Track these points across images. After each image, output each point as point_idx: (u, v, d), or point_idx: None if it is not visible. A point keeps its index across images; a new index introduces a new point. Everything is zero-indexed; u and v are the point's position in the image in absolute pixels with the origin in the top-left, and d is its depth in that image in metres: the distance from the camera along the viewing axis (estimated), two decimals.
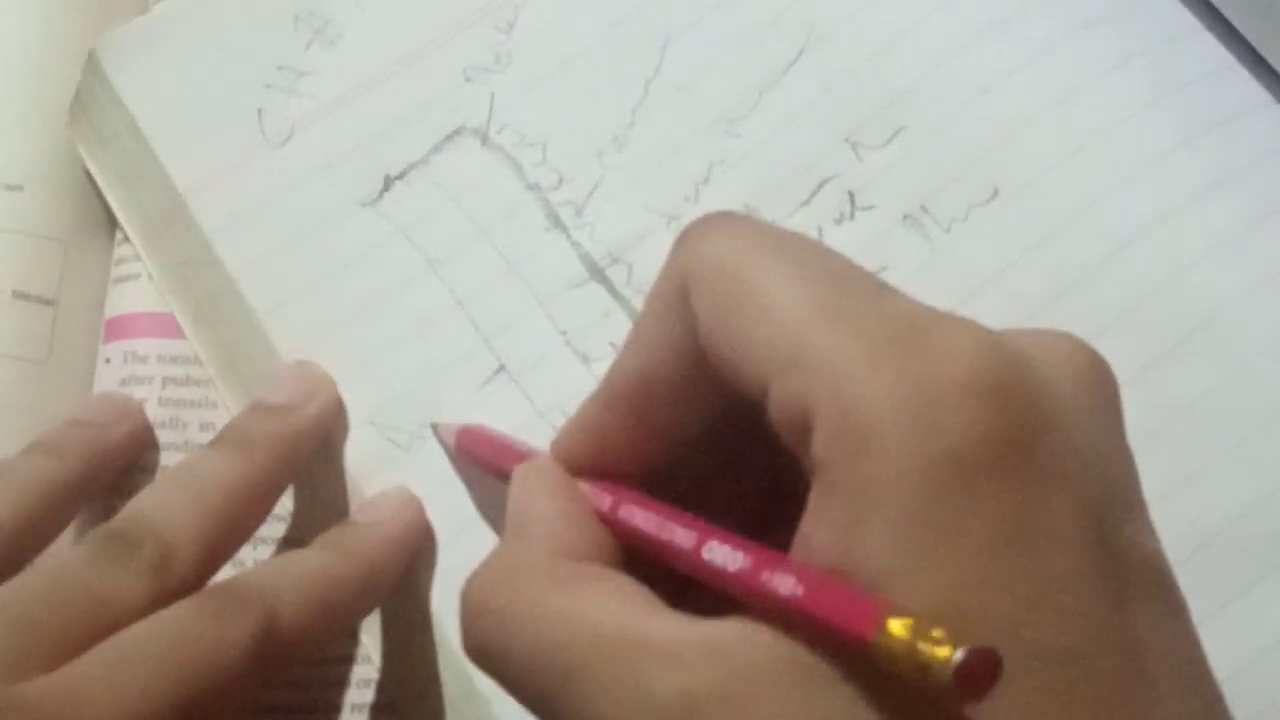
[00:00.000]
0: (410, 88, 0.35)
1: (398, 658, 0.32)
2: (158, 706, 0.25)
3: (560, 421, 0.31)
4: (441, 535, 0.32)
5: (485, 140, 0.35)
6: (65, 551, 0.28)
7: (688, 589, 0.22)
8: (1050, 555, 0.19)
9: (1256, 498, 0.29)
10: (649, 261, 0.33)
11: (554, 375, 0.32)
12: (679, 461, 0.25)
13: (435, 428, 0.32)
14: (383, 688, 0.32)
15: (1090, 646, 0.18)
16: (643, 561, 0.23)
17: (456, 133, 0.35)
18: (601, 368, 0.32)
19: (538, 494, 0.25)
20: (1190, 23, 0.33)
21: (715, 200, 0.33)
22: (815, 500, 0.20)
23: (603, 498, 0.24)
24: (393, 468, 0.32)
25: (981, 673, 0.17)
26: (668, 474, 0.25)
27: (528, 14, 0.36)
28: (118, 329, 0.36)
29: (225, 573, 0.30)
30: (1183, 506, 0.28)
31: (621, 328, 0.32)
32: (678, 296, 0.22)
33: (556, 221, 0.34)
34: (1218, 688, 0.20)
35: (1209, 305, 0.30)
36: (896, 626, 0.17)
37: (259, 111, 0.35)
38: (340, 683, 0.32)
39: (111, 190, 0.37)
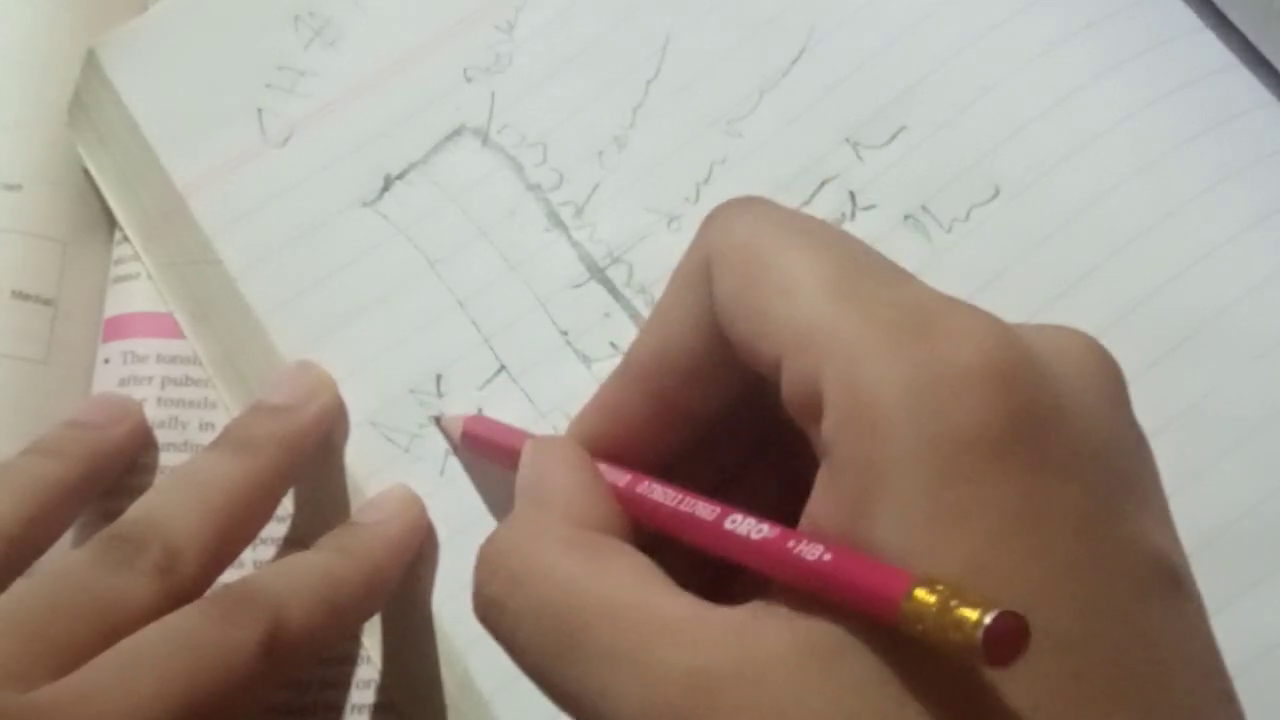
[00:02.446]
0: (410, 88, 0.35)
1: (398, 658, 0.32)
2: (166, 712, 0.25)
3: (561, 422, 0.32)
4: (442, 535, 0.32)
5: (486, 140, 0.35)
6: (69, 555, 0.28)
7: (701, 580, 0.22)
8: (1058, 543, 0.19)
9: (1257, 498, 0.29)
10: (649, 261, 0.33)
11: (554, 375, 0.32)
12: (695, 454, 0.25)
13: (439, 420, 0.32)
14: (383, 688, 0.32)
15: (1099, 634, 0.18)
16: (657, 546, 0.23)
17: (457, 133, 0.35)
18: (602, 368, 0.32)
19: (554, 464, 0.25)
20: (1191, 22, 0.33)
21: (716, 200, 0.33)
22: (822, 481, 0.20)
23: (619, 475, 0.24)
24: (393, 468, 0.32)
25: (1009, 639, 0.16)
26: (683, 468, 0.25)
27: (528, 14, 0.36)
28: (117, 329, 0.36)
29: (227, 574, 0.30)
30: (1184, 507, 0.28)
31: (622, 328, 0.32)
32: (699, 275, 0.22)
33: (557, 221, 0.34)
34: (1230, 683, 0.20)
35: (1210, 305, 0.30)
36: (924, 592, 0.17)
37: (259, 111, 0.35)
38: (340, 683, 0.32)
39: (111, 190, 0.37)
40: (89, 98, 0.36)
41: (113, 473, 0.33)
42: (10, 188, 0.36)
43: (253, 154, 0.35)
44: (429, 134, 0.35)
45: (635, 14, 0.35)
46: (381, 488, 0.32)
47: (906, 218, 0.32)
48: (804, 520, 0.20)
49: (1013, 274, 0.31)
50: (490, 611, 0.23)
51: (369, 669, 0.32)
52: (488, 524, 0.31)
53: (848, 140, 0.33)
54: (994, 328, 0.20)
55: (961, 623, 0.17)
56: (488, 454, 0.30)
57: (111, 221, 0.37)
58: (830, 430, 0.19)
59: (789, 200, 0.33)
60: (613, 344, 0.32)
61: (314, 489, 0.33)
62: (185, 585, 0.28)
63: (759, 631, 0.19)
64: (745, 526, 0.21)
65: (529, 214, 0.34)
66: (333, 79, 0.35)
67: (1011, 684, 0.18)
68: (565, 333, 0.33)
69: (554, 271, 0.33)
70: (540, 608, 0.21)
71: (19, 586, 0.28)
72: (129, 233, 0.36)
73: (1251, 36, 0.32)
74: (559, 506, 0.23)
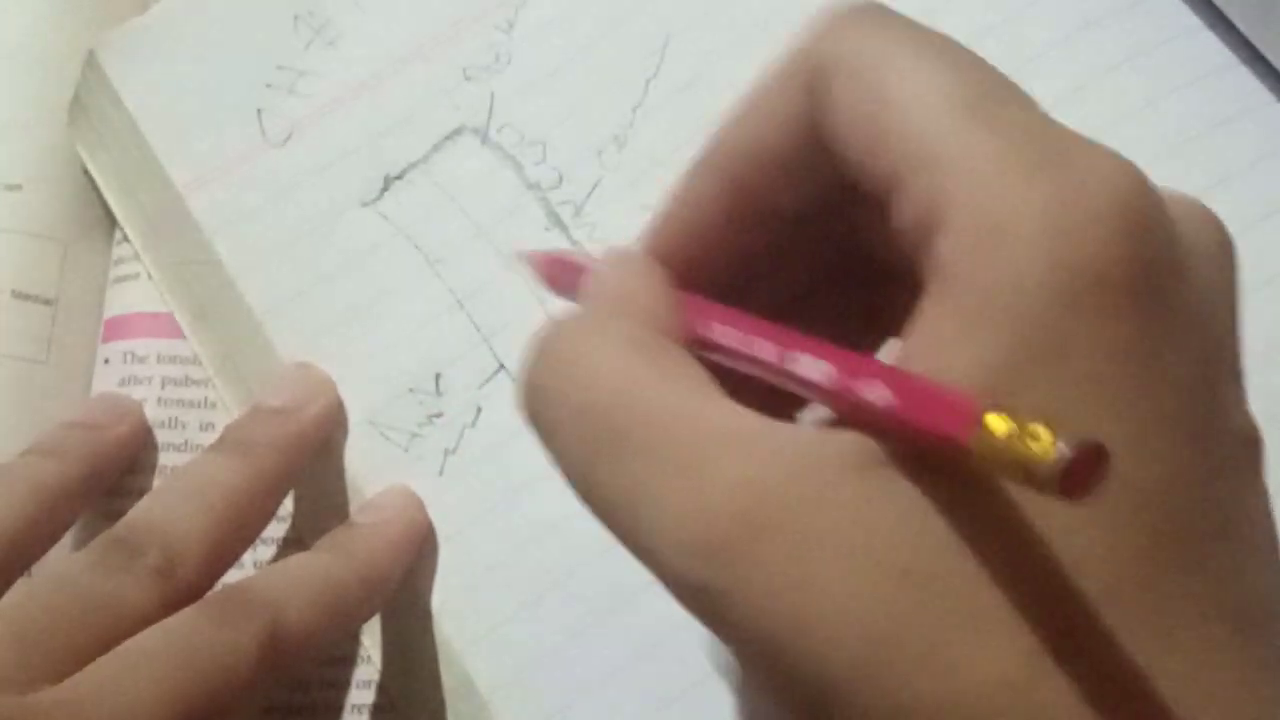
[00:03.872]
0: (410, 87, 0.35)
1: (398, 658, 0.32)
2: (165, 715, 0.25)
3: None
4: (441, 535, 0.32)
5: (485, 139, 0.35)
6: (69, 559, 0.28)
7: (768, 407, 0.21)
8: (1159, 394, 0.18)
9: None
10: None
11: None
12: (775, 267, 0.24)
13: (521, 255, 0.31)
14: (382, 688, 0.32)
15: (1183, 495, 0.18)
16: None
17: (456, 132, 0.35)
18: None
19: (623, 270, 0.23)
20: (1191, 22, 0.33)
21: None
22: (928, 303, 0.19)
23: (688, 310, 0.23)
24: (392, 468, 0.32)
25: (1086, 468, 0.16)
26: (762, 280, 0.24)
27: (528, 13, 0.36)
28: (117, 329, 0.36)
29: (227, 575, 0.30)
30: None
31: None
32: (804, 77, 0.21)
33: (556, 221, 0.34)
34: None
35: None
36: (996, 421, 0.16)
37: (259, 111, 0.35)
38: (341, 683, 0.32)
39: (111, 190, 0.36)
40: (89, 98, 0.36)
41: (113, 473, 0.33)
42: (10, 188, 0.36)
43: (252, 154, 0.35)
44: (428, 133, 0.35)
45: (635, 13, 0.35)
46: (381, 488, 0.32)
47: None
48: (902, 340, 0.19)
49: None
50: (533, 401, 0.21)
51: (369, 669, 0.32)
52: (488, 524, 0.31)
53: None
54: (1131, 171, 0.19)
55: (1037, 447, 0.16)
56: (572, 287, 0.29)
57: (111, 221, 0.37)
58: (949, 249, 0.19)
59: None
60: None
61: (313, 489, 0.33)
62: (185, 588, 0.28)
63: (821, 445, 0.18)
64: (806, 366, 0.19)
65: (529, 213, 0.34)
66: (332, 78, 0.35)
67: (1084, 528, 0.17)
68: None
69: None
70: (588, 400, 0.20)
71: (19, 589, 0.28)
72: (129, 233, 0.36)
73: (1251, 36, 0.32)
74: (623, 307, 0.22)
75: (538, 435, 0.21)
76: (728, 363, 0.21)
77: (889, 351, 0.20)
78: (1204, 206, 0.21)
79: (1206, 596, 0.18)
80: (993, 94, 0.20)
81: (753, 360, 0.21)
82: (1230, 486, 0.19)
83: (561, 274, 0.28)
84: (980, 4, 0.33)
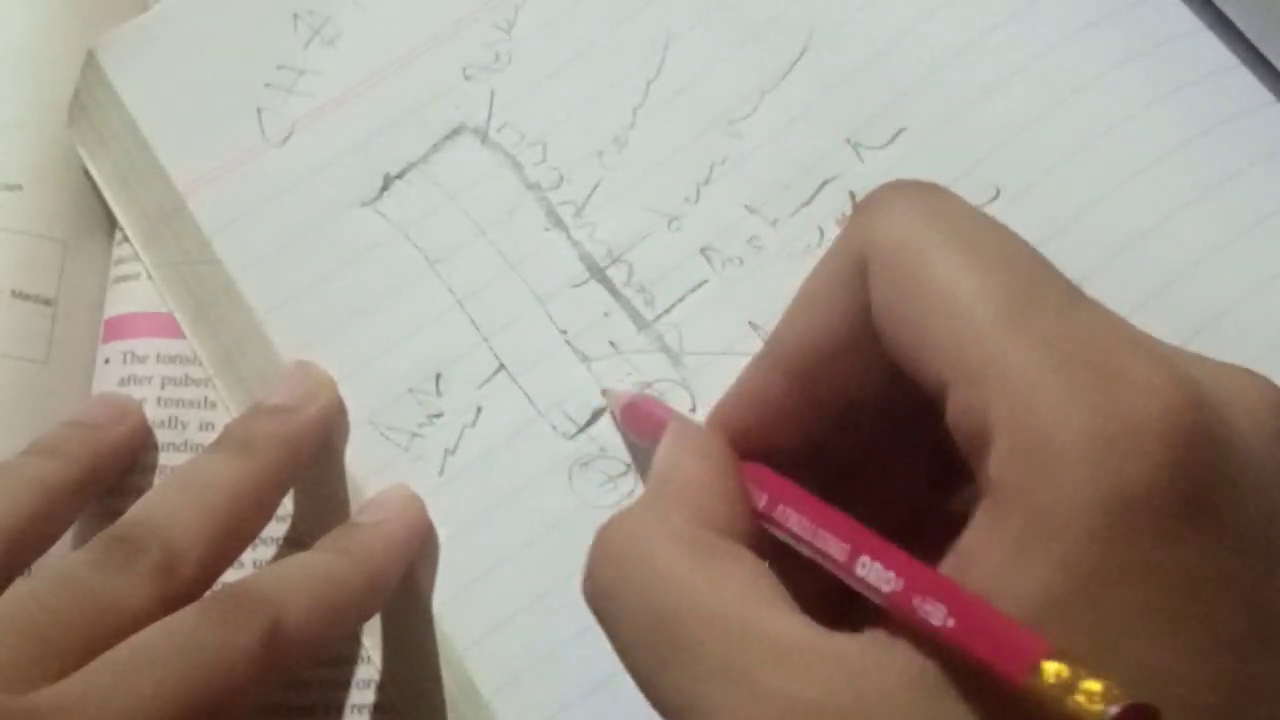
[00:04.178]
0: (410, 86, 0.35)
1: (398, 658, 0.32)
2: (165, 714, 0.25)
3: (560, 422, 0.32)
4: (442, 535, 0.32)
5: (485, 139, 0.35)
6: (69, 557, 0.28)
7: (825, 584, 0.21)
8: (1219, 615, 0.18)
9: None
10: (649, 261, 0.33)
11: (554, 375, 0.32)
12: (842, 431, 0.24)
13: (605, 394, 0.32)
14: (383, 688, 0.32)
15: (1247, 701, 0.18)
16: (785, 556, 0.22)
17: (456, 131, 0.35)
18: (601, 367, 0.32)
19: (687, 454, 0.24)
20: (1192, 22, 0.33)
21: (716, 200, 0.33)
22: (983, 518, 0.19)
23: (758, 495, 0.23)
24: (393, 467, 0.32)
25: None
26: (831, 444, 0.24)
27: (527, 12, 0.36)
28: (117, 329, 0.36)
29: (227, 574, 0.30)
30: None
31: (621, 327, 0.32)
32: (854, 268, 0.21)
33: (556, 221, 0.34)
34: None
35: (1211, 306, 0.30)
36: (1050, 672, 0.16)
37: (258, 111, 0.35)
38: (341, 683, 0.32)
39: (111, 190, 0.36)
40: (89, 98, 0.36)
41: (113, 472, 0.33)
42: (10, 188, 0.36)
43: (252, 153, 0.35)
44: (428, 133, 0.35)
45: (636, 14, 0.35)
46: (381, 487, 0.32)
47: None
48: (956, 554, 0.19)
49: None
50: (598, 599, 0.22)
51: (369, 669, 0.32)
52: (488, 524, 0.31)
53: (848, 140, 0.33)
54: (1179, 383, 0.19)
55: (1087, 704, 0.16)
56: (644, 435, 0.30)
57: (111, 221, 0.37)
58: (998, 468, 0.19)
59: (790, 200, 0.33)
60: (612, 343, 0.32)
61: (314, 489, 0.33)
62: (185, 586, 0.28)
63: (873, 666, 0.18)
64: (874, 574, 0.20)
65: (529, 213, 0.34)
66: (332, 78, 0.35)
67: None
68: (565, 332, 0.33)
69: (554, 271, 0.33)
70: (648, 605, 0.20)
71: (19, 588, 0.28)
72: (129, 233, 0.36)
73: (1251, 37, 0.32)
74: (684, 500, 0.23)
75: (602, 626, 0.22)
76: (793, 545, 0.22)
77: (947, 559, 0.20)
78: (1262, 382, 0.20)
79: None
80: (1037, 298, 0.20)
81: (820, 554, 0.21)
82: None
83: (637, 420, 0.29)
84: (980, 4, 0.33)
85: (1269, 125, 0.32)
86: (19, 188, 0.36)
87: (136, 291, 0.36)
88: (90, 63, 0.36)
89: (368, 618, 0.32)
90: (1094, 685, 0.16)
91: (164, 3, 0.37)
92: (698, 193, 0.33)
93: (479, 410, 0.32)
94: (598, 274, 0.33)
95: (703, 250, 0.33)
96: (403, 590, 0.31)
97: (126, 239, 0.36)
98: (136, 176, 0.36)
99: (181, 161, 0.35)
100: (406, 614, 0.32)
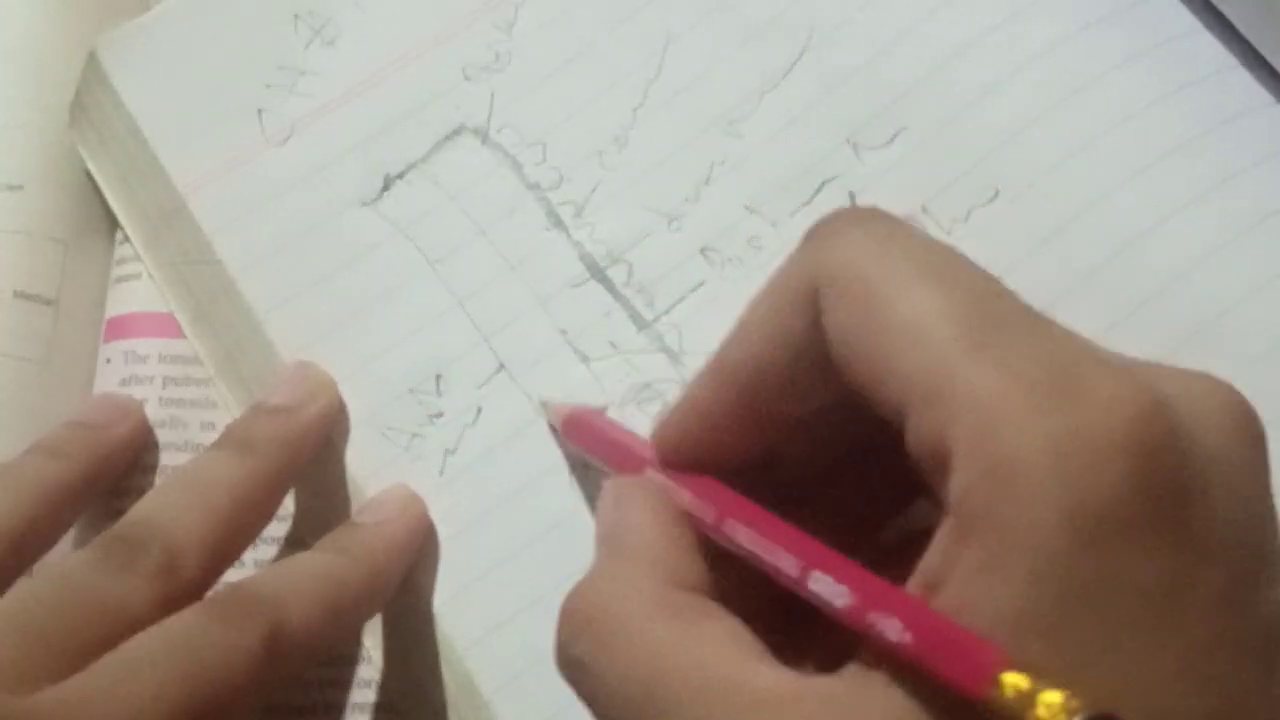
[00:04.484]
0: (410, 87, 0.35)
1: (398, 658, 0.32)
2: (167, 714, 0.25)
3: (560, 422, 0.32)
4: (442, 535, 0.32)
5: (485, 139, 0.35)
6: (71, 557, 0.28)
7: (792, 607, 0.21)
8: (1192, 623, 0.18)
9: None
10: (649, 261, 0.33)
11: (554, 374, 0.32)
12: (793, 447, 0.24)
13: (545, 406, 0.32)
14: (383, 688, 0.32)
15: (1229, 709, 0.18)
16: (747, 580, 0.22)
17: (456, 132, 0.35)
18: (601, 367, 0.32)
19: (638, 512, 0.24)
20: (1191, 23, 0.33)
21: (716, 200, 0.33)
22: (946, 540, 0.19)
23: (707, 509, 0.23)
24: (393, 467, 0.32)
25: None
26: (781, 460, 0.24)
27: (527, 13, 0.36)
28: (118, 329, 0.36)
29: (228, 575, 0.30)
30: None
31: (621, 327, 0.32)
32: (803, 294, 0.21)
33: (556, 221, 0.34)
34: None
35: (1211, 307, 0.30)
36: (1009, 684, 0.16)
37: (259, 111, 0.35)
38: (341, 683, 0.32)
39: (112, 190, 0.36)
40: (90, 98, 0.36)
41: (114, 473, 0.33)
42: (12, 188, 0.36)
43: (253, 153, 0.35)
44: (428, 133, 0.35)
45: (636, 14, 0.35)
46: (381, 487, 0.32)
47: (907, 219, 0.32)
48: (919, 574, 0.19)
49: (1013, 276, 0.30)
50: (575, 671, 0.22)
51: (369, 669, 0.32)
52: (489, 524, 0.31)
53: (848, 140, 0.33)
54: (1139, 394, 0.19)
55: (1047, 715, 0.16)
56: (587, 447, 0.30)
57: (112, 222, 0.37)
58: (960, 490, 0.19)
59: (789, 200, 0.33)
60: (612, 344, 0.32)
61: (314, 489, 0.33)
62: (187, 587, 0.28)
63: (858, 706, 0.18)
64: (826, 589, 0.20)
65: (529, 213, 0.34)
66: (332, 78, 0.35)
67: None
68: (565, 332, 0.33)
69: (553, 271, 0.33)
70: (627, 674, 0.20)
71: (20, 588, 0.28)
72: (130, 233, 0.36)
73: (1251, 37, 0.32)
74: (645, 562, 0.22)
75: (580, 696, 0.22)
76: (751, 562, 0.22)
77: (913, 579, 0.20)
78: (1226, 390, 0.20)
79: None
80: (995, 320, 0.20)
81: (775, 571, 0.21)
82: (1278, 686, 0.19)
83: (578, 433, 0.29)
84: (980, 4, 0.33)
85: (1269, 125, 0.32)
86: (20, 188, 0.36)
87: (137, 291, 0.36)
88: (91, 63, 0.36)
89: (369, 618, 0.32)
90: (1054, 697, 0.16)
91: (165, 3, 0.37)
92: (698, 193, 0.33)
93: (479, 410, 0.32)
94: (598, 274, 0.33)
95: (703, 250, 0.33)
96: (403, 590, 0.31)
97: (127, 239, 0.36)
98: (137, 176, 0.36)
99: (182, 161, 0.35)
100: (407, 614, 0.32)
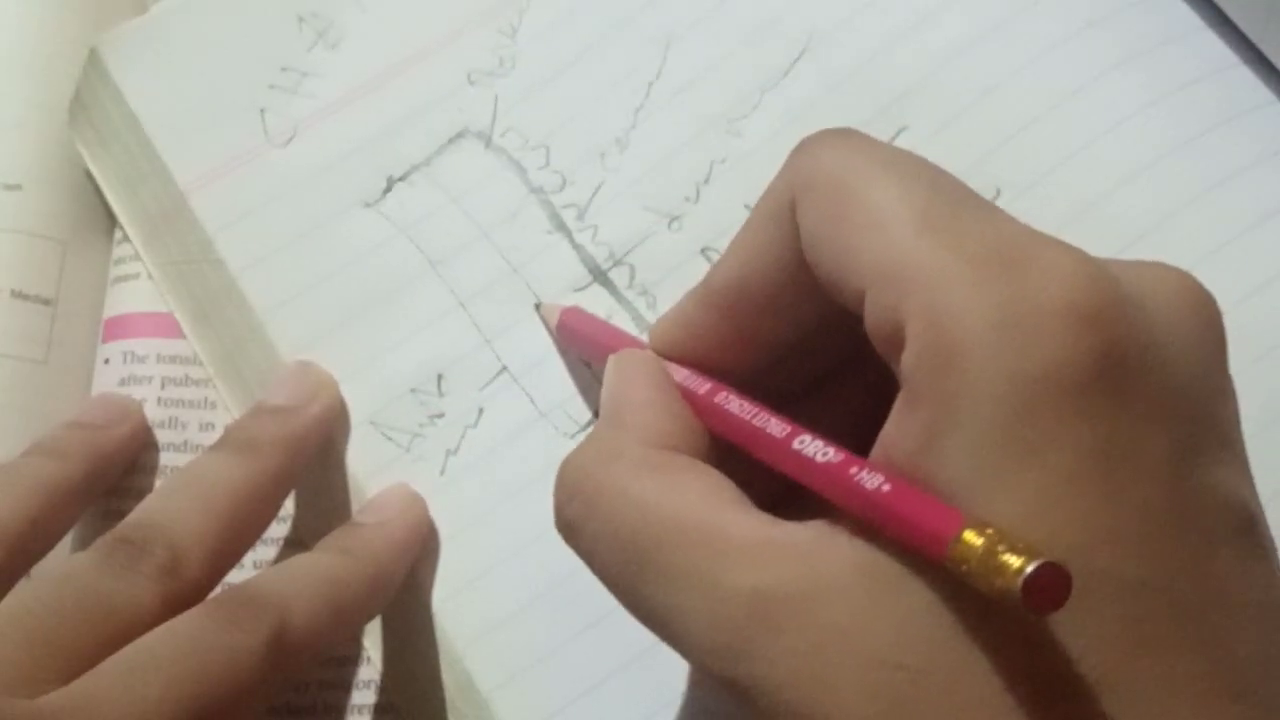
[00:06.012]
0: (413, 89, 0.35)
1: (398, 658, 0.32)
2: (172, 716, 0.25)
3: (562, 423, 0.32)
4: (443, 535, 0.31)
5: (489, 144, 0.35)
6: (73, 559, 0.28)
7: (774, 489, 0.22)
8: (1133, 486, 0.18)
9: (1261, 500, 0.29)
10: (651, 263, 0.33)
11: (555, 376, 0.32)
12: (777, 368, 0.25)
13: (539, 308, 0.33)
14: (383, 688, 0.32)
15: (1166, 579, 0.18)
16: (734, 461, 0.23)
17: (460, 135, 0.35)
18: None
19: (633, 382, 0.25)
20: (1192, 22, 0.33)
21: (716, 200, 0.33)
22: (898, 411, 0.20)
23: (700, 382, 0.24)
24: (394, 468, 0.32)
25: (1050, 588, 0.17)
26: (765, 381, 0.25)
27: (531, 17, 0.36)
28: (117, 329, 0.36)
29: (230, 575, 0.30)
30: None
31: (624, 329, 0.32)
32: (784, 207, 0.22)
33: (559, 224, 0.34)
34: None
35: None
36: (973, 535, 0.17)
37: (262, 111, 0.35)
38: (341, 683, 0.32)
39: (111, 189, 0.36)
40: (90, 97, 0.36)
41: (113, 473, 0.33)
42: (11, 187, 0.36)
43: (255, 154, 0.35)
44: (432, 136, 0.35)
45: (637, 16, 0.35)
46: (382, 488, 0.32)
47: None
48: (876, 448, 0.20)
49: None
50: (569, 533, 0.23)
51: (369, 669, 0.32)
52: (489, 524, 0.31)
53: None
54: (1083, 265, 0.19)
55: (1003, 569, 0.17)
56: (581, 347, 0.31)
57: (112, 221, 0.37)
58: (909, 362, 0.19)
59: None
60: None
61: (315, 489, 0.33)
62: (190, 588, 0.28)
63: (823, 553, 0.19)
64: (812, 448, 0.21)
65: (531, 216, 0.34)
66: (336, 80, 0.35)
67: (1071, 625, 0.18)
68: None
69: (556, 274, 0.33)
70: (615, 529, 0.22)
71: (22, 590, 0.28)
72: (129, 232, 0.36)
73: (1252, 36, 0.32)
74: (635, 426, 0.24)
75: (579, 557, 0.23)
76: (737, 441, 0.23)
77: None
78: (1179, 273, 0.21)
79: (1205, 674, 0.18)
80: (949, 204, 0.20)
81: (762, 437, 0.22)
82: (1223, 560, 0.19)
83: (573, 333, 0.30)
84: (981, 4, 0.33)
85: (1269, 125, 0.32)
86: (19, 187, 0.36)
87: (137, 291, 0.36)
88: (93, 61, 0.36)
89: (371, 618, 0.32)
90: (1011, 557, 0.17)
91: (166, 2, 0.37)
92: (698, 193, 0.33)
93: (481, 411, 0.32)
94: (600, 277, 0.33)
95: (703, 250, 0.33)
96: (403, 590, 0.31)
97: (126, 238, 0.36)
98: (138, 175, 0.36)
99: (184, 160, 0.35)
100: (406, 613, 0.31)
